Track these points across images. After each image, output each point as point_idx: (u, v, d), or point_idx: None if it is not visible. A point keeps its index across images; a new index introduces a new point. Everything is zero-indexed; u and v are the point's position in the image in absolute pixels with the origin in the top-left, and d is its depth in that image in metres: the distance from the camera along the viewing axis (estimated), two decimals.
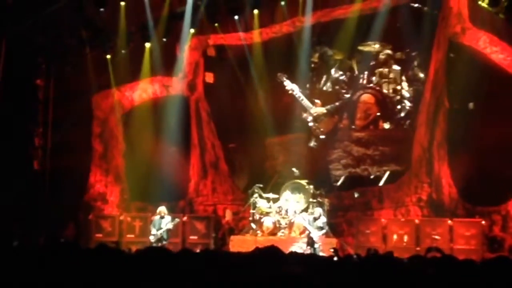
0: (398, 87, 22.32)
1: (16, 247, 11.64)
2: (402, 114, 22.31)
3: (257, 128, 22.92)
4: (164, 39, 22.24)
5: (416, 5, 21.96)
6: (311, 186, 21.40)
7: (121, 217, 22.12)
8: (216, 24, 22.23)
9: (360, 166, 22.39)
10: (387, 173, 22.31)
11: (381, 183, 22.40)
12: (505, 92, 21.02)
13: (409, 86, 22.36)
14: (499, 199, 21.11)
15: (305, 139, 22.95)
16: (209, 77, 23.54)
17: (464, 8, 21.34)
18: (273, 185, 22.21)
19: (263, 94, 22.86)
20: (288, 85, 22.35)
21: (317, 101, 22.48)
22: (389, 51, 22.39)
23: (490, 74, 21.09)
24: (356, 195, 22.18)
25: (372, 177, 22.41)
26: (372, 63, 22.55)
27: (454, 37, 21.62)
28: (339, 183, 22.42)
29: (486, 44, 21.21)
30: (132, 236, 21.33)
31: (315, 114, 22.51)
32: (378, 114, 22.28)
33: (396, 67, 22.40)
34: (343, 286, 6.14)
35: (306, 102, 22.40)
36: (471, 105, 21.46)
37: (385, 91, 22.24)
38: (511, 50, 20.88)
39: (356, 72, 22.71)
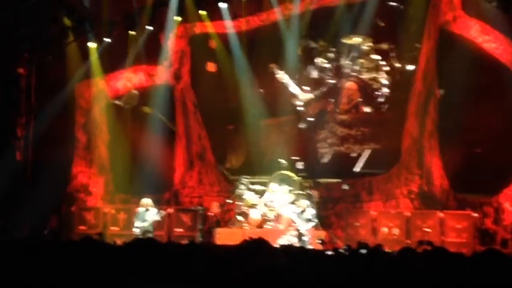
0: (377, 76, 22.67)
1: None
2: (381, 100, 22.63)
3: (253, 111, 22.90)
4: (149, 27, 22.17)
5: (392, 3, 22.21)
6: (299, 178, 21.62)
7: (105, 209, 22.03)
8: (201, 11, 22.13)
9: (344, 145, 22.68)
10: (367, 152, 22.59)
11: (360, 163, 22.68)
12: (497, 82, 21.10)
13: (387, 74, 22.52)
14: (492, 190, 21.10)
15: (295, 121, 23.25)
16: (211, 67, 23.23)
17: None
18: (266, 163, 22.52)
19: (255, 81, 22.85)
20: (280, 74, 22.72)
21: (305, 87, 22.84)
22: (370, 43, 22.63)
23: (482, 64, 21.09)
24: (345, 187, 22.34)
25: (354, 155, 22.75)
26: (355, 54, 22.73)
27: (445, 26, 21.75)
28: (325, 160, 22.63)
29: (478, 33, 21.32)
30: (117, 228, 21.13)
31: (304, 100, 23.00)
32: (360, 99, 22.83)
33: (376, 57, 22.67)
34: (331, 278, 6.01)
35: (296, 89, 22.85)
36: (441, 91, 21.70)
37: (365, 79, 22.74)
38: (503, 39, 20.93)
39: (339, 62, 22.89)
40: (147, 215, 19.63)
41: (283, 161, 21.93)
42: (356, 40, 22.74)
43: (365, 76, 22.82)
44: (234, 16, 22.40)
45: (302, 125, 23.20)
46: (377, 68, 22.90)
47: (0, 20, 20.79)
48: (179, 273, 5.57)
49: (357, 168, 22.90)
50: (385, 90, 22.73)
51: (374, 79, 22.76)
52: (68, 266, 5.69)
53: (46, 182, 21.21)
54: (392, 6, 22.45)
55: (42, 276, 5.40)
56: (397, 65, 22.74)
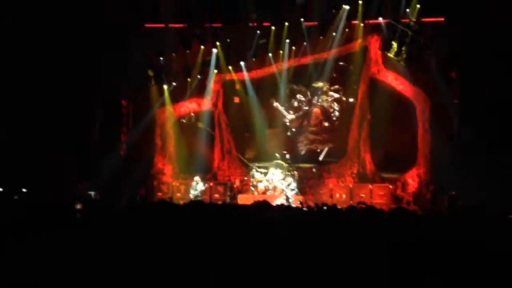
0: (332, 105, 22.95)
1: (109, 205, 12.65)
2: (334, 119, 22.96)
3: (260, 125, 23.07)
4: (199, 76, 22.61)
5: (341, 63, 22.65)
6: (287, 165, 21.90)
7: (173, 183, 22.51)
8: (229, 67, 22.57)
9: (313, 144, 22.97)
10: (326, 148, 22.84)
11: (322, 155, 22.92)
12: (404, 109, 21.70)
13: (338, 104, 22.92)
14: (400, 172, 21.86)
15: (285, 131, 23.27)
16: (236, 100, 23.31)
17: (379, 58, 22.02)
18: (268, 156, 22.53)
19: (261, 108, 23.07)
20: (275, 104, 23.23)
21: (290, 111, 23.18)
22: (328, 86, 22.87)
23: (394, 98, 21.71)
24: (314, 170, 22.66)
25: (318, 150, 22.96)
26: (319, 92, 22.98)
27: (373, 75, 22.21)
28: (302, 153, 22.93)
29: (392, 80, 21.93)
30: (179, 195, 21.59)
31: (289, 119, 23.20)
32: (322, 118, 22.98)
33: (331, 94, 22.93)
34: (305, 224, 6.21)
35: (285, 112, 23.16)
36: (370, 115, 22.16)
37: (325, 106, 22.99)
38: (407, 83, 21.59)
39: (310, 97, 23.11)
40: (197, 186, 20.99)
41: (277, 155, 22.13)
42: (320, 84, 22.84)
43: (325, 105, 22.95)
44: (249, 69, 22.59)
45: (288, 133, 23.27)
46: (332, 101, 23.01)
47: (111, 71, 21.16)
48: (216, 220, 5.67)
49: (321, 158, 22.97)
50: (337, 113, 22.94)
51: (330, 107, 22.93)
52: (152, 218, 5.81)
53: (138, 168, 21.91)
54: (341, 64, 22.68)
55: (139, 224, 5.37)
56: (344, 99, 22.93)
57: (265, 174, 22.02)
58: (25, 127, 19.81)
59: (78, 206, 7.79)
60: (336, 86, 23.09)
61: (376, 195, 21.13)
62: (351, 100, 23.00)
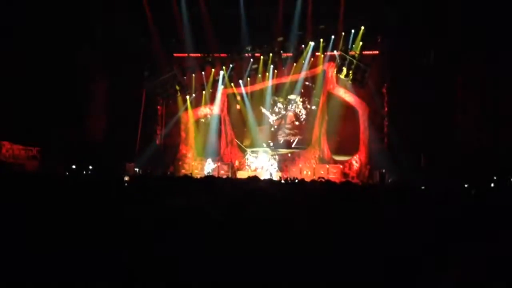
0: (301, 110, 22.75)
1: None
2: (302, 119, 22.69)
3: (253, 124, 22.61)
4: (211, 90, 22.16)
5: (307, 83, 22.52)
6: (270, 150, 22.01)
7: (192, 163, 22.11)
8: (232, 84, 22.12)
9: (288, 136, 22.55)
10: (296, 138, 22.60)
11: (294, 143, 22.62)
12: (350, 113, 21.58)
13: (304, 109, 22.69)
14: (348, 155, 21.59)
15: (270, 127, 22.74)
16: (237, 107, 22.92)
17: (334, 78, 21.69)
18: (258, 145, 22.35)
19: (254, 112, 22.58)
20: (264, 110, 22.89)
21: (273, 115, 22.84)
22: (298, 98, 22.66)
23: (344, 106, 21.58)
24: (289, 155, 22.40)
25: (291, 140, 22.62)
26: (293, 101, 22.69)
27: (330, 90, 22.00)
28: (281, 142, 22.48)
29: (343, 93, 21.63)
30: (197, 171, 21.12)
31: (273, 119, 22.84)
32: (294, 119, 22.71)
33: (300, 103, 22.70)
34: (283, 192, 5.85)
35: (269, 115, 22.81)
36: (327, 117, 21.98)
37: (296, 112, 22.79)
38: (353, 95, 21.34)
39: (286, 105, 22.87)
40: (209, 166, 21.19)
41: (264, 144, 22.18)
42: (293, 97, 22.63)
43: (296, 111, 22.76)
44: (246, 85, 22.07)
45: (272, 129, 22.81)
46: (301, 108, 22.81)
47: (152, 87, 20.90)
48: (222, 188, 5.42)
49: (293, 145, 22.60)
50: (304, 116, 22.72)
51: (300, 112, 22.76)
52: (178, 186, 5.64)
53: (168, 153, 22.04)
54: (307, 84, 22.42)
55: (168, 189, 5.03)
56: (308, 107, 22.68)
57: (256, 157, 21.92)
58: (106, 130, 20.05)
59: (126, 178, 7.91)
60: (304, 98, 22.84)
61: (331, 172, 20.80)
62: (313, 107, 22.67)
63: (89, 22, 18.07)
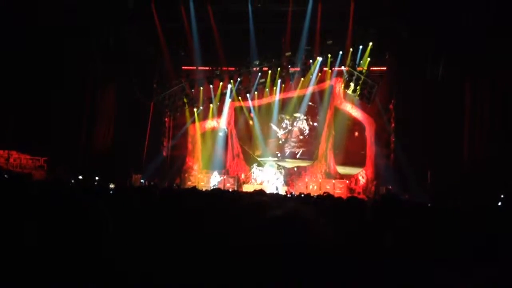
0: (306, 126, 22.87)
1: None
2: (306, 134, 22.88)
3: (263, 137, 22.74)
4: (218, 103, 22.10)
5: (311, 103, 22.54)
6: (276, 164, 22.10)
7: (198, 175, 21.94)
8: (239, 97, 22.05)
9: (293, 148, 22.63)
10: (301, 150, 22.81)
11: (298, 155, 22.87)
12: (358, 127, 21.87)
13: (307, 126, 22.95)
14: (353, 171, 21.61)
15: (278, 140, 22.83)
16: (252, 122, 22.82)
17: (341, 93, 21.88)
18: (269, 154, 22.49)
19: (263, 127, 22.71)
20: (272, 126, 22.97)
21: (280, 129, 22.96)
22: (303, 115, 22.89)
23: (352, 121, 21.86)
24: (295, 169, 22.41)
25: (296, 152, 22.85)
26: (298, 119, 22.87)
27: (337, 105, 22.16)
28: (287, 153, 22.61)
29: (350, 108, 21.81)
30: (203, 183, 20.92)
31: (280, 134, 22.91)
32: (298, 134, 22.85)
33: (304, 120, 22.94)
34: (288, 206, 5.96)
35: (277, 130, 22.92)
36: (334, 131, 22.17)
37: (301, 127, 22.98)
38: (360, 111, 21.51)
39: (292, 121, 23.04)
40: (215, 178, 21.18)
41: (271, 157, 22.33)
42: (298, 114, 22.75)
43: (300, 126, 22.92)
44: (253, 98, 22.01)
45: (280, 142, 22.90)
46: (304, 124, 23.07)
47: (160, 100, 20.71)
48: (230, 202, 5.03)
49: (297, 156, 22.81)
50: (307, 131, 22.91)
51: (304, 128, 22.96)
52: (183, 199, 5.37)
53: (175, 165, 21.81)
54: (311, 104, 22.58)
55: (175, 202, 4.95)
56: (311, 123, 23.04)
57: (262, 171, 22.06)
58: (114, 141, 19.82)
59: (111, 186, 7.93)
60: (308, 116, 23.11)
61: (337, 187, 20.69)
62: (315, 124, 22.97)
63: (101, 34, 18.13)
